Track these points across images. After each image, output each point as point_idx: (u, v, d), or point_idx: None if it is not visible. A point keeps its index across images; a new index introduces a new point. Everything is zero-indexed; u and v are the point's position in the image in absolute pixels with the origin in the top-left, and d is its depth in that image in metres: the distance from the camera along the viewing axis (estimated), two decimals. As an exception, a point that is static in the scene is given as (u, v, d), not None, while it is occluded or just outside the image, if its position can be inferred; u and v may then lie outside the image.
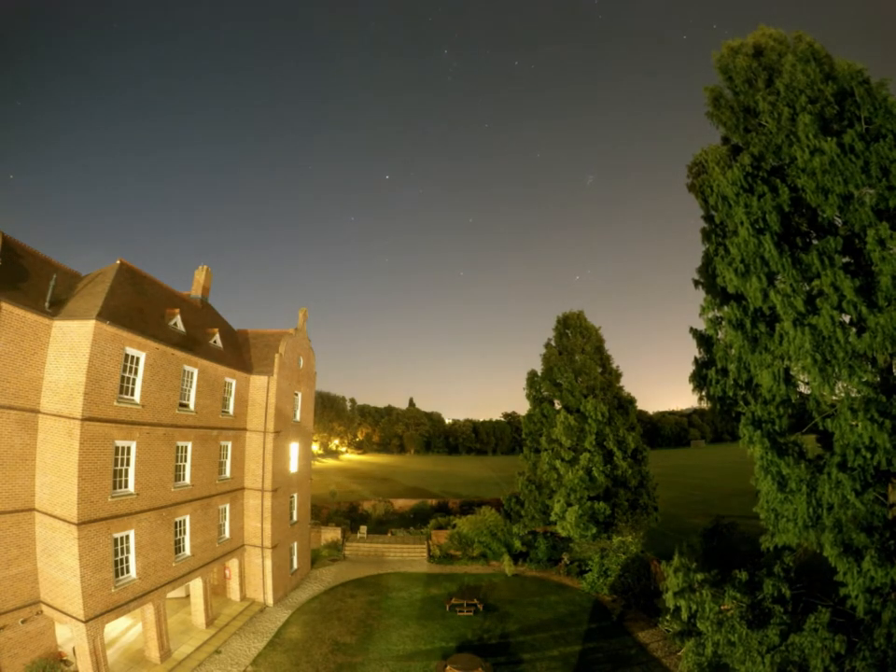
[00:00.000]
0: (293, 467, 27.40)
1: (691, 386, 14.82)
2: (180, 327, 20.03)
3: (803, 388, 11.95)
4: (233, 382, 23.70)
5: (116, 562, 15.84)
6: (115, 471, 16.02)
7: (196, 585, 20.30)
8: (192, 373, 20.44)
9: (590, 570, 26.34)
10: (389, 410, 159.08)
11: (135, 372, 17.08)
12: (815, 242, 12.05)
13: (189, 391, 20.35)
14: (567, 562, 29.25)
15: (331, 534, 33.32)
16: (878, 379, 11.02)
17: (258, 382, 25.16)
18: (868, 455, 10.14)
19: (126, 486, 16.51)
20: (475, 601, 23.34)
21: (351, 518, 40.59)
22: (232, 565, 23.44)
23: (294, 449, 27.66)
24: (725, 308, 12.68)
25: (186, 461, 19.91)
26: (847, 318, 10.83)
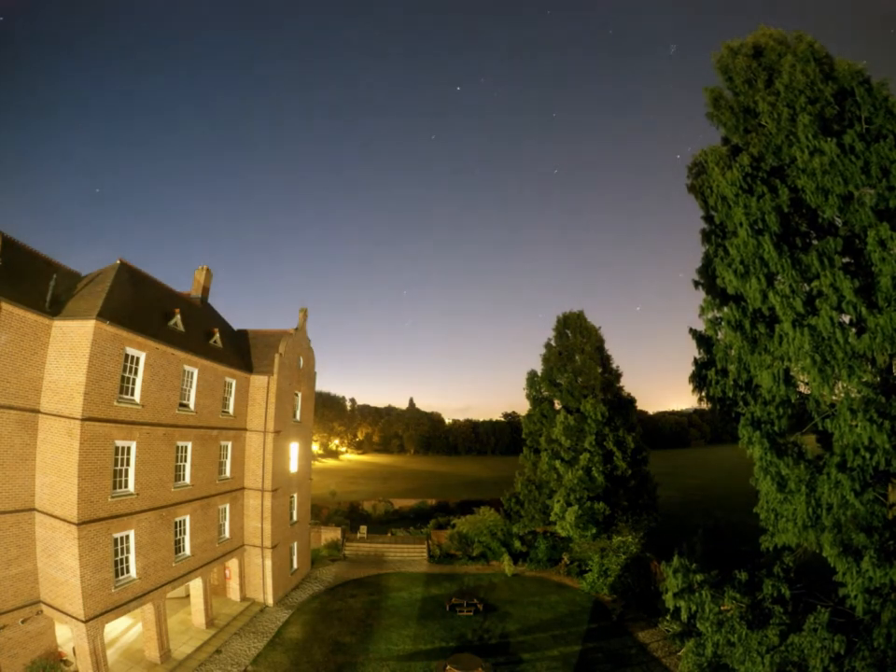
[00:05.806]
0: (293, 467, 27.40)
1: (691, 387, 14.81)
2: (180, 327, 20.02)
3: (802, 389, 11.95)
4: (233, 381, 23.70)
5: (116, 562, 15.84)
6: (115, 471, 16.02)
7: (196, 585, 20.31)
8: (192, 373, 20.45)
9: (590, 570, 26.36)
10: (389, 410, 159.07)
11: (135, 372, 17.08)
12: (815, 242, 12.04)
13: (189, 391, 20.35)
14: (567, 562, 29.26)
15: (331, 534, 33.32)
16: (878, 379, 11.03)
17: (258, 381, 25.17)
18: (867, 456, 10.14)
19: (126, 486, 16.52)
20: (475, 601, 23.33)
21: (351, 518, 40.63)
22: (232, 565, 23.44)
23: (294, 449, 27.67)
24: (725, 309, 12.67)
25: (186, 461, 19.91)
26: (846, 319, 10.83)
